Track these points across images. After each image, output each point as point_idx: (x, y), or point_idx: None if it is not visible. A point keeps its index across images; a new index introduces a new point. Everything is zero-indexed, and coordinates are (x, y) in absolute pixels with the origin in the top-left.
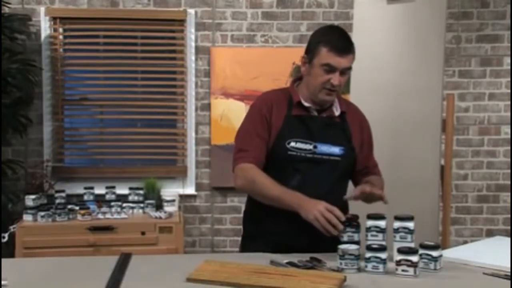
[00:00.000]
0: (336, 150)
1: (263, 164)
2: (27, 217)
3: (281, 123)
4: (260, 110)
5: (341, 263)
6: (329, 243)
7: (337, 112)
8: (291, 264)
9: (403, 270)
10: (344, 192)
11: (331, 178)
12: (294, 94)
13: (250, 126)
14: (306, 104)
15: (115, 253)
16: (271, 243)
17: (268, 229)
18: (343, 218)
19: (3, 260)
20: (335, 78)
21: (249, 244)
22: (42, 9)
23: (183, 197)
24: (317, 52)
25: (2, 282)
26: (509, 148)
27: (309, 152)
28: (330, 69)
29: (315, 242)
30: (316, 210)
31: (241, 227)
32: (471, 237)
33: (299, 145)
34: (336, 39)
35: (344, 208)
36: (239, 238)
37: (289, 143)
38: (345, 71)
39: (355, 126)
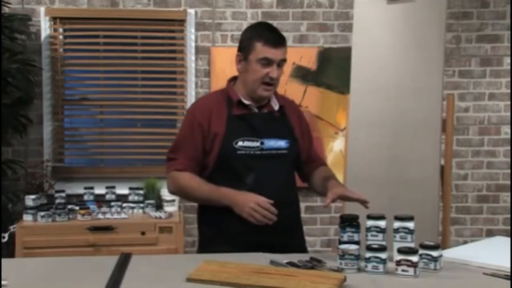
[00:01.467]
0: (282, 143)
1: (193, 169)
2: (27, 217)
3: (224, 125)
4: (193, 117)
5: (341, 263)
6: (294, 236)
7: (276, 107)
8: (291, 264)
9: (403, 270)
10: (295, 185)
11: (283, 171)
12: (232, 93)
13: (181, 134)
14: (246, 102)
15: (115, 253)
16: (232, 242)
17: (227, 230)
18: (274, 211)
19: (3, 260)
20: (273, 71)
21: (208, 247)
22: (42, 9)
23: None
24: (252, 47)
25: (2, 282)
26: (509, 148)
27: (257, 149)
28: (267, 62)
29: (276, 233)
30: (247, 207)
31: None
32: (471, 237)
33: (247, 143)
34: (268, 33)
35: (295, 204)
36: None
37: (236, 143)
38: (281, 64)
39: (294, 118)
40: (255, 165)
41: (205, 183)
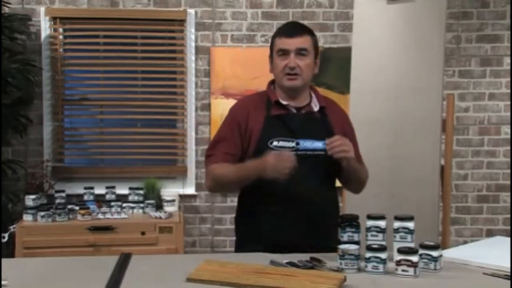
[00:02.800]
0: (319, 144)
1: (230, 162)
2: (27, 217)
3: (261, 125)
4: (233, 117)
5: (341, 263)
6: (323, 236)
7: (316, 108)
8: (291, 264)
9: (403, 270)
10: (333, 186)
11: (318, 173)
12: (271, 94)
13: (219, 132)
14: (284, 102)
15: (115, 253)
16: (265, 243)
17: (261, 230)
18: (292, 160)
19: (3, 260)
20: (291, 61)
21: (243, 247)
22: (42, 9)
23: (183, 197)
24: (273, 44)
25: (2, 282)
26: (509, 148)
27: (292, 149)
28: (284, 53)
29: (308, 235)
30: (269, 168)
31: None
32: (471, 237)
33: (282, 143)
34: (285, 27)
35: (332, 205)
36: None
37: (271, 143)
38: (301, 53)
39: (336, 121)
40: None
41: (233, 165)
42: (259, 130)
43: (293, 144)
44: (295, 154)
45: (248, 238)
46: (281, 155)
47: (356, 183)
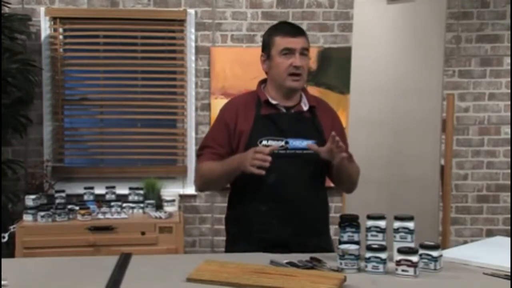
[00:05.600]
0: (308, 144)
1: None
2: (27, 217)
3: (250, 125)
4: (222, 117)
5: (341, 263)
6: (317, 238)
7: (305, 107)
8: (291, 264)
9: (403, 270)
10: (323, 186)
11: (307, 172)
12: (261, 94)
13: (209, 132)
14: (273, 101)
15: (115, 253)
16: (255, 241)
17: (250, 228)
18: (268, 152)
19: (3, 260)
20: (296, 60)
21: (233, 246)
22: (42, 9)
23: (183, 197)
24: (272, 43)
25: (2, 282)
26: (509, 148)
27: (282, 148)
28: (289, 52)
29: (297, 234)
30: (248, 162)
31: None
32: (471, 237)
33: (271, 142)
34: (285, 25)
35: (322, 204)
36: None
37: (260, 142)
38: (304, 53)
39: (326, 120)
40: (278, 164)
41: (218, 162)
42: (248, 130)
43: (282, 143)
44: (284, 153)
45: (238, 237)
46: (255, 149)
47: (348, 182)
